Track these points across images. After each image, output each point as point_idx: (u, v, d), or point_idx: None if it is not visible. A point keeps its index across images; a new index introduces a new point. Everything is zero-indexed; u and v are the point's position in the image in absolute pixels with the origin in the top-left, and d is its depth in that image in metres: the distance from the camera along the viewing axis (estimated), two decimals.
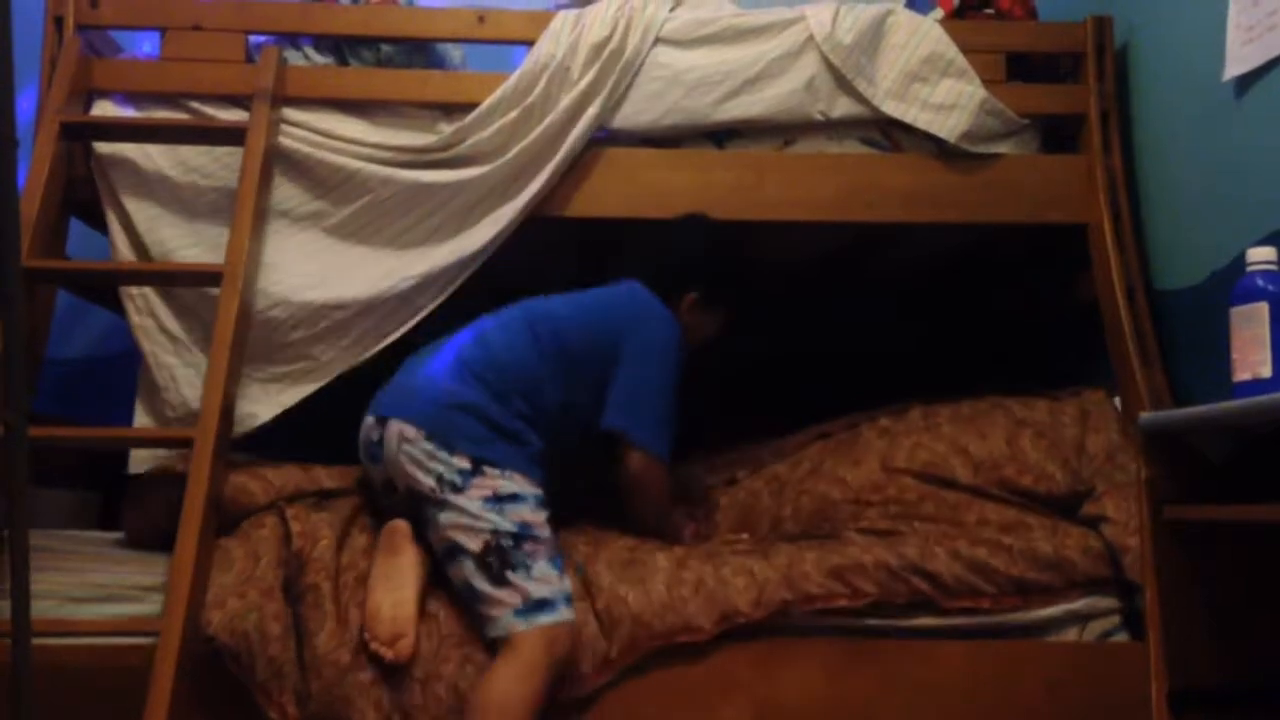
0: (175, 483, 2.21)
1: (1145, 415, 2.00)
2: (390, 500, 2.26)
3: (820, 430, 2.70)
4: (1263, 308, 1.83)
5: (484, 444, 2.16)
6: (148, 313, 2.47)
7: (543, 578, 2.07)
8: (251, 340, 2.39)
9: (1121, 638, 2.24)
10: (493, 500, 2.11)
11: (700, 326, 2.48)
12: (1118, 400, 2.59)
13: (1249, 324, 1.85)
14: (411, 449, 2.15)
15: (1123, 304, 2.55)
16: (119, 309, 2.52)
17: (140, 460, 2.41)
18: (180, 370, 2.45)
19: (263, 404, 2.45)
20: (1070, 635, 2.25)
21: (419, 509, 2.16)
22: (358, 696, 2.00)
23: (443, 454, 2.13)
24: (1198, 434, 1.94)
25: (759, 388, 2.90)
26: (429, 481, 2.13)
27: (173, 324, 2.47)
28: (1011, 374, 2.79)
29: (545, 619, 2.02)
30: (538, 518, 2.14)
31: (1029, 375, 2.79)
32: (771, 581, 2.17)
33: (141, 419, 2.47)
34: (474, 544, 2.07)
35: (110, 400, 2.70)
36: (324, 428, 2.55)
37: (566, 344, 2.29)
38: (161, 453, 2.38)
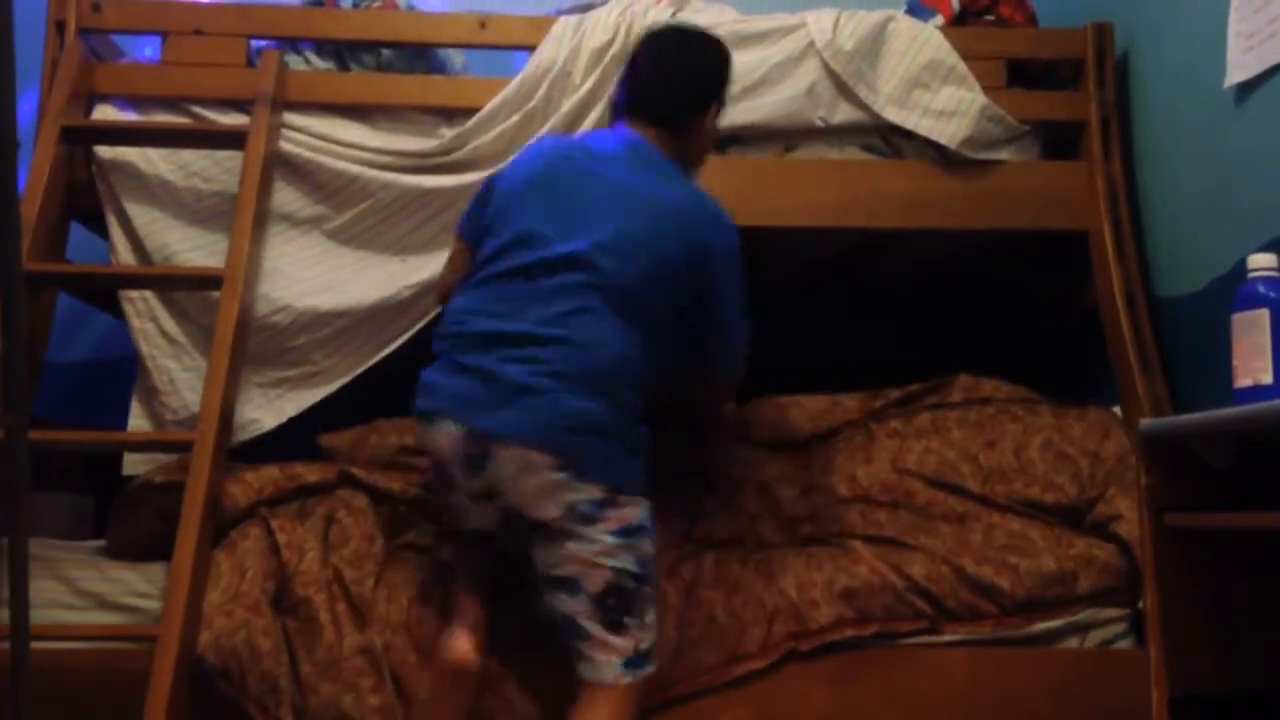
0: (162, 491, 2.21)
1: (1146, 422, 2.00)
2: (469, 509, 1.96)
3: (829, 427, 2.68)
4: (1264, 314, 1.83)
5: (616, 467, 1.89)
6: (148, 316, 2.47)
7: (650, 625, 1.91)
8: (253, 345, 2.39)
9: (1129, 642, 2.24)
10: (622, 533, 1.88)
11: (712, 139, 2.22)
12: (1117, 409, 2.59)
13: (1250, 331, 1.85)
14: (538, 478, 1.84)
15: (1123, 311, 2.55)
16: (119, 313, 2.52)
17: (135, 462, 2.41)
18: (179, 374, 2.45)
19: (265, 411, 2.45)
20: (1071, 644, 2.25)
21: (527, 532, 1.90)
22: (356, 709, 2.00)
23: (575, 483, 1.84)
24: (1199, 441, 1.93)
25: (759, 392, 2.88)
26: (555, 511, 1.84)
27: (172, 327, 2.47)
28: (1012, 380, 2.79)
29: (647, 669, 1.90)
30: (654, 547, 1.96)
31: (1030, 381, 2.78)
32: (780, 613, 2.17)
33: (138, 421, 2.46)
34: (594, 583, 1.85)
35: (110, 404, 2.70)
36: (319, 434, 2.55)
37: (651, 314, 1.97)
38: (158, 456, 2.38)
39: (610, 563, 1.85)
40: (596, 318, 1.89)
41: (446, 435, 1.88)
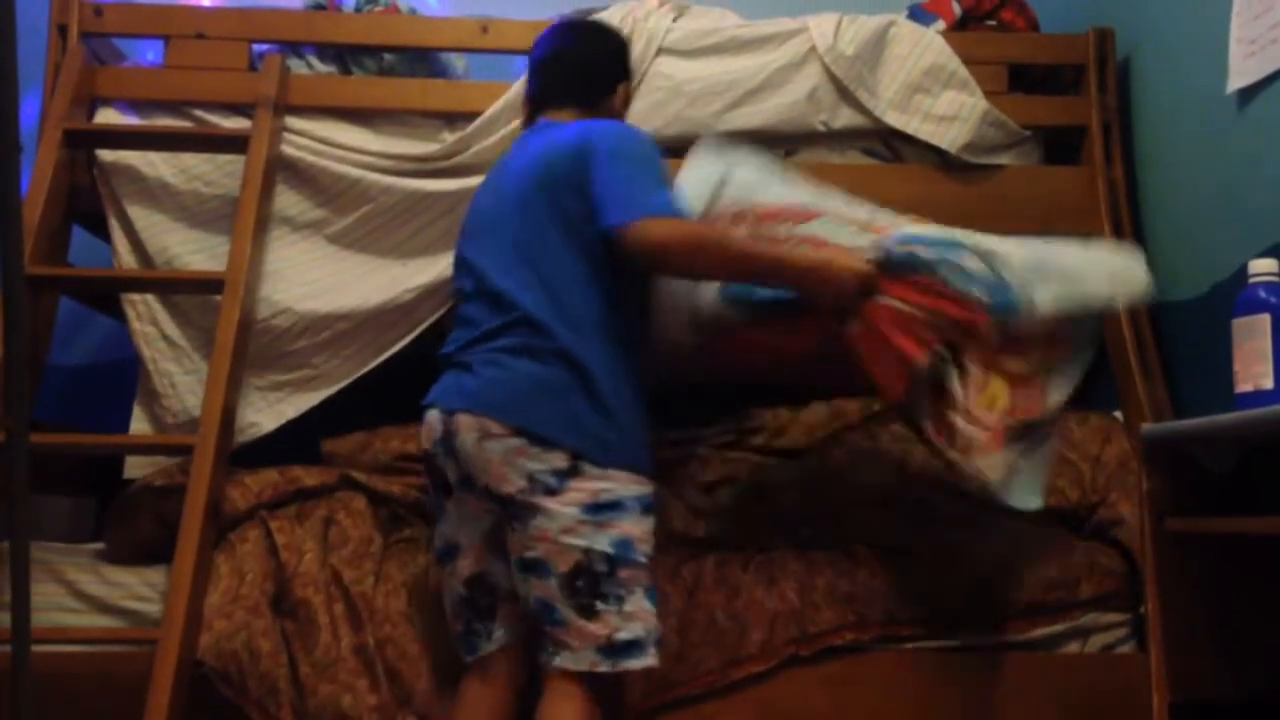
0: (160, 495, 2.21)
1: (1147, 426, 2.00)
2: (452, 496, 1.92)
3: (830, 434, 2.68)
4: (1265, 320, 1.83)
5: (579, 433, 1.82)
6: (149, 319, 2.47)
7: (635, 614, 1.81)
8: (253, 348, 2.39)
9: (1130, 647, 2.24)
10: (591, 508, 1.80)
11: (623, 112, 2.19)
12: (1118, 414, 2.59)
13: (1251, 336, 1.85)
14: (497, 445, 1.81)
15: (1124, 316, 2.54)
16: (121, 315, 2.52)
17: (136, 465, 2.41)
18: (180, 377, 2.45)
19: (265, 414, 2.45)
20: (1072, 649, 2.25)
21: (499, 513, 1.86)
22: (355, 709, 2.00)
23: (535, 449, 1.80)
24: (1200, 446, 1.94)
25: (759, 395, 2.87)
26: (519, 482, 1.80)
27: (173, 330, 2.48)
28: None
29: (630, 663, 1.80)
30: (640, 529, 1.85)
31: None
32: (781, 617, 2.17)
33: (139, 425, 2.47)
34: (562, 562, 1.79)
35: (111, 407, 2.70)
36: (319, 438, 2.55)
37: (590, 246, 1.90)
38: (159, 459, 2.38)
39: (577, 541, 1.78)
40: (540, 291, 1.88)
41: (430, 421, 1.91)
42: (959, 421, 1.84)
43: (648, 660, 1.81)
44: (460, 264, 2.04)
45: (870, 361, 1.91)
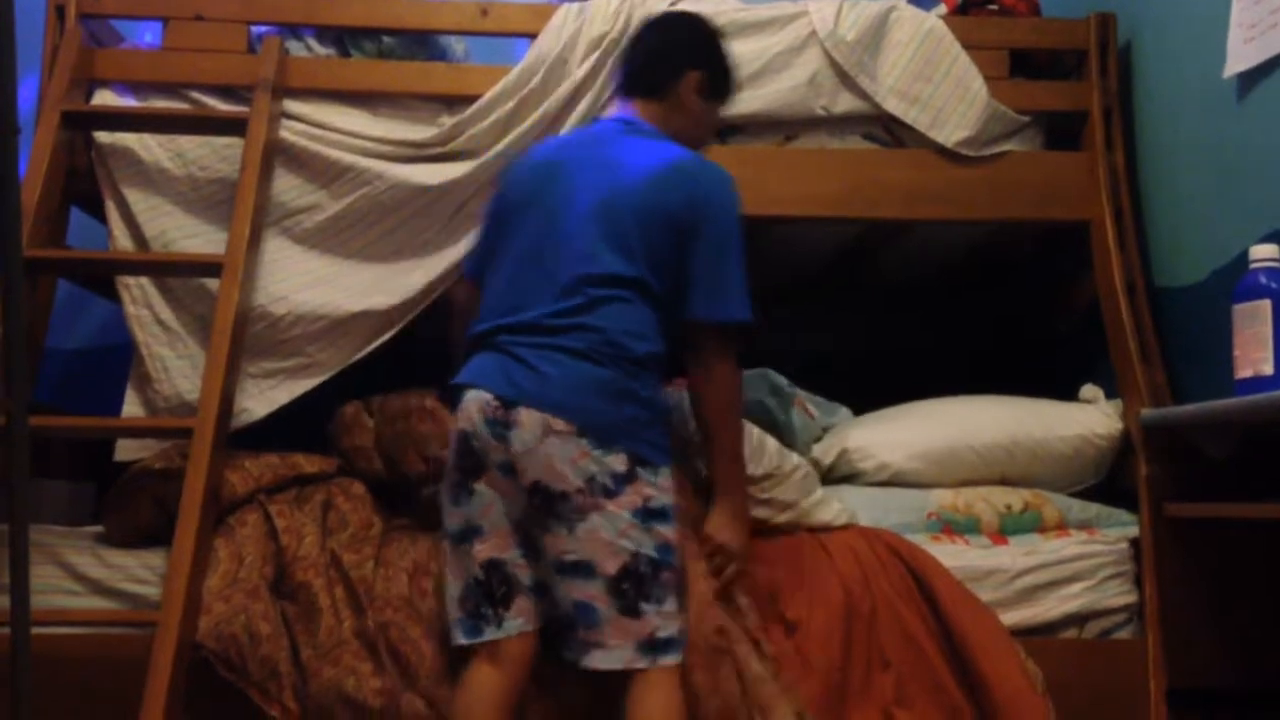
0: (159, 478, 2.21)
1: (1146, 412, 2.00)
2: (484, 478, 1.89)
3: None
4: (1265, 305, 1.84)
5: (638, 437, 1.86)
6: (143, 303, 2.47)
7: (672, 614, 1.85)
8: (249, 335, 2.39)
9: (1127, 632, 2.24)
10: (641, 513, 1.84)
11: (706, 118, 2.18)
12: (1117, 400, 2.59)
13: (1251, 321, 1.85)
14: (560, 443, 1.82)
15: (1124, 302, 2.54)
16: (119, 298, 2.52)
17: (127, 449, 2.41)
18: (173, 361, 2.45)
19: (257, 400, 2.44)
20: (1069, 634, 2.25)
21: (544, 510, 1.84)
22: (359, 692, 2.01)
23: (597, 452, 1.82)
24: (1199, 431, 1.94)
25: None
26: (578, 482, 1.81)
27: (167, 315, 2.47)
28: (1012, 370, 2.79)
29: (667, 659, 1.83)
30: (676, 535, 1.90)
31: (1029, 372, 2.78)
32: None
33: (132, 409, 2.46)
34: (611, 565, 1.81)
35: (110, 391, 2.70)
36: (313, 423, 2.55)
37: (653, 271, 1.95)
38: (151, 443, 2.38)
39: (627, 545, 1.81)
40: (604, 297, 1.89)
41: (474, 401, 1.87)
42: None
43: (675, 658, 1.84)
44: (521, 228, 1.98)
45: None
